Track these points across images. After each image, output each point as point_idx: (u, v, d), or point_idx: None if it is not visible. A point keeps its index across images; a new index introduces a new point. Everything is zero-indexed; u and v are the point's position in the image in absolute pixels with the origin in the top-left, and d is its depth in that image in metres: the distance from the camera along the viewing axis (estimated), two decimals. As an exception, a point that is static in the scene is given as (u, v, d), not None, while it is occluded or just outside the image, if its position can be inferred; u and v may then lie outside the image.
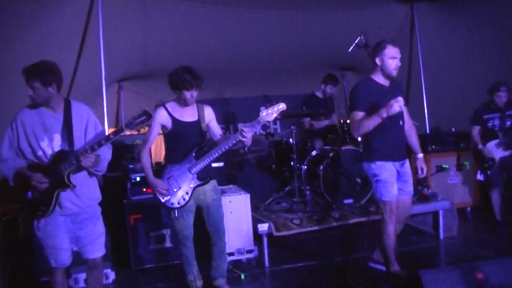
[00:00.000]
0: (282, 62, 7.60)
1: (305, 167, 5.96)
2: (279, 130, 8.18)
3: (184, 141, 4.10)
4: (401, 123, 4.29)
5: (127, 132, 3.48)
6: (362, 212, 5.55)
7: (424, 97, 7.50)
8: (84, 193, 3.50)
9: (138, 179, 5.18)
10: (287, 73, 8.04)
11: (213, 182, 4.23)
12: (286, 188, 6.12)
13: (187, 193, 4.08)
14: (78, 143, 3.44)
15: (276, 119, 4.17)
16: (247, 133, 3.95)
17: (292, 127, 5.97)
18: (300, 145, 6.30)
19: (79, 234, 3.52)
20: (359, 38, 6.02)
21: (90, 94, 6.39)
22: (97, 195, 3.66)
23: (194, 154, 4.10)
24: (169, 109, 4.10)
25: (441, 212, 5.75)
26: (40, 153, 3.37)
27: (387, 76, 4.18)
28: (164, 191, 4.01)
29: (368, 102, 4.10)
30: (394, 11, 6.99)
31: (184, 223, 4.12)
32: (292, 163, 6.00)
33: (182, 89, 4.01)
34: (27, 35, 5.08)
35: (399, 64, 4.15)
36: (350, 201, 5.71)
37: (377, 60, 4.18)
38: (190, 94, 4.05)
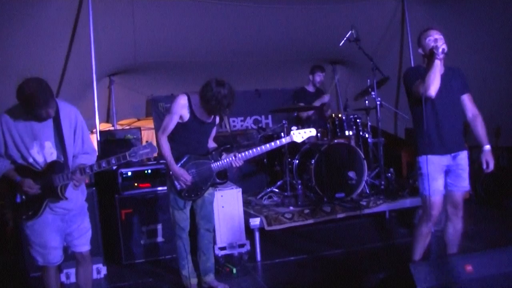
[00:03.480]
0: (272, 56, 7.59)
1: (297, 161, 5.98)
2: (270, 125, 8.18)
3: (197, 138, 4.10)
4: (453, 109, 3.90)
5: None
6: (353, 206, 5.57)
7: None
8: (73, 195, 3.46)
9: (129, 174, 5.18)
10: (278, 67, 8.03)
11: None
12: (278, 183, 6.14)
13: (203, 188, 4.10)
14: (69, 149, 3.39)
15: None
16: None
17: (284, 121, 5.97)
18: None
19: (69, 231, 3.50)
20: (350, 32, 6.05)
21: (81, 89, 6.37)
22: (84, 191, 3.65)
23: (219, 153, 4.13)
24: (191, 102, 3.99)
25: (431, 206, 5.78)
26: (31, 160, 3.29)
27: (428, 60, 3.81)
28: (187, 182, 3.99)
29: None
30: (385, 5, 6.98)
31: (183, 214, 4.12)
32: (283, 157, 6.01)
33: (213, 111, 3.95)
34: (15, 31, 5.03)
35: (442, 42, 3.74)
36: (341, 195, 5.71)
37: (420, 50, 3.93)
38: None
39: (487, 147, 3.94)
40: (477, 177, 6.73)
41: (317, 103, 6.57)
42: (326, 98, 6.67)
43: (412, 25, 7.12)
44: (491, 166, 3.94)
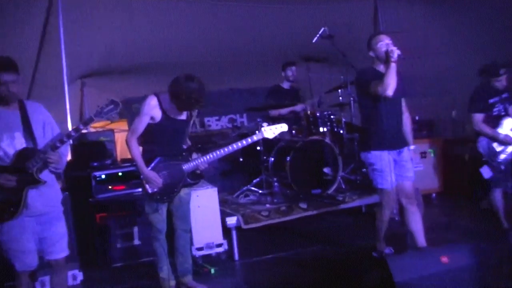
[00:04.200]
0: (247, 55, 7.56)
1: (272, 158, 5.98)
2: (245, 123, 8.17)
3: (172, 137, 4.05)
4: (398, 109, 4.38)
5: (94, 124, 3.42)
6: (330, 201, 5.60)
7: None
8: (48, 191, 3.43)
9: (103, 176, 5.11)
10: (253, 66, 8.00)
11: None
12: (254, 181, 6.14)
13: (175, 190, 4.06)
14: (39, 139, 3.37)
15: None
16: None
17: (259, 120, 5.96)
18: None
19: (44, 235, 3.44)
20: (323, 29, 6.08)
21: (52, 92, 6.25)
22: (59, 193, 3.61)
23: (190, 153, 4.10)
24: (161, 101, 3.94)
25: (407, 199, 5.84)
26: (1, 153, 3.26)
27: (385, 62, 4.14)
28: (158, 185, 3.94)
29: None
30: (358, 2, 7.03)
31: (159, 216, 4.07)
32: (259, 155, 6.00)
33: (184, 107, 3.94)
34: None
35: (392, 46, 4.09)
36: (317, 191, 5.74)
37: (371, 53, 4.30)
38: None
39: (412, 147, 4.54)
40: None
41: (285, 110, 6.59)
42: (298, 108, 6.70)
43: (385, 22, 7.19)
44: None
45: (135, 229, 5.17)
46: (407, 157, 4.39)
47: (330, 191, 5.81)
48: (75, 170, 5.27)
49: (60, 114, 5.73)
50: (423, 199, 6.01)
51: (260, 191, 5.97)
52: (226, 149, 4.09)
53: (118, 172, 5.19)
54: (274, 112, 6.65)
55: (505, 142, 5.03)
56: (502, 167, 5.07)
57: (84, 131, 3.45)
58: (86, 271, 4.87)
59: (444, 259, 3.31)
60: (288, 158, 5.65)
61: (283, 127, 4.36)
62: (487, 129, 5.10)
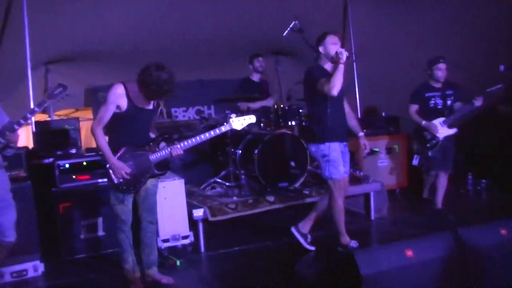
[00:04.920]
0: (216, 46, 7.52)
1: (240, 151, 5.96)
2: (213, 115, 8.11)
3: (138, 127, 3.98)
4: (343, 105, 4.76)
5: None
6: (296, 195, 5.62)
7: (356, 84, 7.73)
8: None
9: (67, 166, 4.99)
10: (222, 57, 7.97)
11: None
12: (221, 173, 6.11)
13: (142, 180, 4.00)
14: None
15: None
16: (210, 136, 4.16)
17: (227, 111, 5.93)
18: (235, 129, 6.27)
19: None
20: (293, 22, 6.05)
21: (14, 78, 6.09)
22: (8, 181, 3.63)
23: (158, 143, 4.04)
24: (128, 89, 3.85)
25: (372, 194, 5.95)
26: None
27: (334, 63, 4.45)
28: (126, 175, 3.86)
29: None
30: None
31: (125, 207, 4.00)
32: (227, 148, 5.97)
33: (153, 96, 3.88)
34: None
35: (341, 48, 4.41)
36: (284, 184, 5.76)
37: (321, 49, 4.59)
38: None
39: (362, 133, 4.94)
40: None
41: (257, 105, 6.58)
42: (270, 102, 6.69)
43: (354, 17, 7.24)
44: (368, 147, 4.97)
45: (99, 220, 5.07)
46: (347, 151, 4.77)
47: (297, 185, 5.83)
48: (38, 158, 5.13)
49: (22, 101, 5.59)
50: (387, 195, 6.14)
51: (227, 184, 5.95)
52: (194, 140, 4.06)
53: (82, 162, 5.06)
54: (243, 105, 6.62)
55: (427, 128, 5.73)
56: (430, 153, 5.75)
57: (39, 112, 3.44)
58: (48, 262, 4.75)
59: (409, 253, 3.37)
60: (256, 151, 5.64)
61: (251, 119, 4.38)
62: (416, 117, 5.82)
